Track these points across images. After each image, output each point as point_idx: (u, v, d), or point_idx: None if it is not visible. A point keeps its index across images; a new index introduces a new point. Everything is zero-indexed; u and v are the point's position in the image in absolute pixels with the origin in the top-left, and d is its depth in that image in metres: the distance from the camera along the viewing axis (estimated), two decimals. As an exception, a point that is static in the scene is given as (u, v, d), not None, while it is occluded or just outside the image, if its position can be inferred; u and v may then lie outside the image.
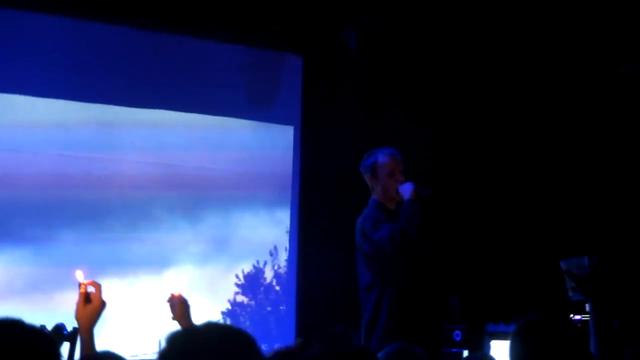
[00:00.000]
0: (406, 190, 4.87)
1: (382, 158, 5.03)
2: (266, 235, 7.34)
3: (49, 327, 3.25)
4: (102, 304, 3.19)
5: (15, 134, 6.37)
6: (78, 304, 3.16)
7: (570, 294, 3.89)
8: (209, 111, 7.13)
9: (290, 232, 7.40)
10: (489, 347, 5.62)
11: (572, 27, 6.92)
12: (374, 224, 4.81)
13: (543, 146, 7.57)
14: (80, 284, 3.16)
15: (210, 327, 2.00)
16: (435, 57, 7.50)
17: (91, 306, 3.16)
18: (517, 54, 7.44)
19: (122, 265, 6.61)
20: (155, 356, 4.71)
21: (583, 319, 5.88)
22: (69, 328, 3.26)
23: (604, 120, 7.36)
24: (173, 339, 1.98)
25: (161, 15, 6.61)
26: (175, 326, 3.53)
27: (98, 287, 3.19)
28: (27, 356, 2.07)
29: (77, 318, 3.16)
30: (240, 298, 7.27)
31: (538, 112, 7.58)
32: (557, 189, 7.47)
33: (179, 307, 3.54)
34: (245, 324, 7.20)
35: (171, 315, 3.57)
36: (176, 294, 3.56)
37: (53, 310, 5.51)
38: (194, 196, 7.03)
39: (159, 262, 6.84)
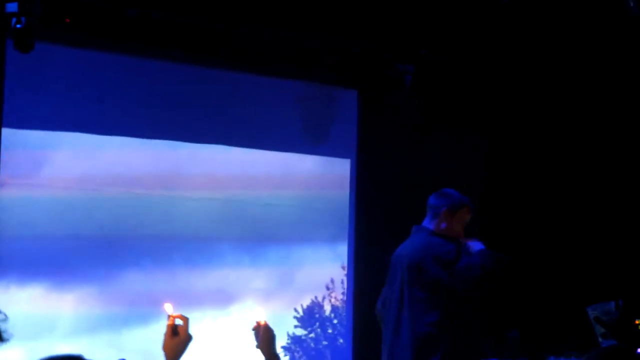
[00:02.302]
0: (477, 245, 4.93)
1: (469, 209, 5.10)
2: (326, 268, 7.41)
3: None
4: (189, 337, 3.23)
5: (77, 172, 6.54)
6: (165, 336, 3.22)
7: (600, 340, 3.86)
8: (268, 147, 7.24)
9: (348, 265, 7.45)
10: (550, 380, 5.59)
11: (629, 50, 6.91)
12: (453, 252, 4.85)
13: (602, 174, 7.52)
14: (168, 316, 3.22)
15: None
16: (490, 90, 7.53)
17: (178, 339, 3.21)
18: (574, 84, 7.43)
19: (187, 301, 6.71)
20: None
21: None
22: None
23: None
24: None
25: (219, 51, 6.74)
26: (259, 355, 3.52)
27: (185, 320, 3.24)
28: None
29: (164, 350, 3.21)
30: (300, 332, 7.33)
31: (597, 140, 7.54)
32: (621, 215, 7.40)
33: (264, 336, 3.50)
34: (302, 358, 7.26)
35: (255, 343, 3.51)
36: (262, 322, 3.51)
37: (121, 347, 5.65)
38: (254, 231, 7.12)
39: (224, 299, 6.94)
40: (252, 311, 3.59)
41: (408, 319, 4.91)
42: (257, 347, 3.50)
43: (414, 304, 4.90)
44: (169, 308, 3.23)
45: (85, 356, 2.28)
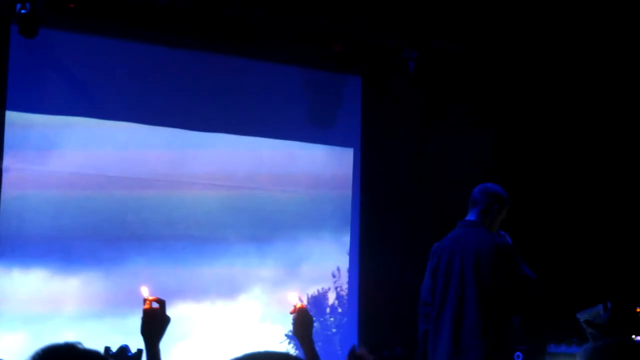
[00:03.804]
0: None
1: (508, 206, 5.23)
2: (330, 257, 7.41)
3: (114, 348, 3.33)
4: (167, 320, 3.15)
5: (84, 157, 6.54)
6: (143, 320, 3.15)
7: (591, 341, 3.90)
8: (272, 135, 7.23)
9: (351, 254, 7.45)
10: (550, 369, 5.60)
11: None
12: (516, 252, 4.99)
13: (606, 164, 7.49)
14: (144, 300, 3.16)
15: (267, 356, 2.02)
16: (494, 76, 7.50)
17: (156, 322, 3.14)
18: (579, 73, 7.39)
19: (195, 289, 6.73)
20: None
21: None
22: (134, 349, 3.31)
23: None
24: None
25: (224, 38, 6.74)
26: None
27: (163, 302, 3.16)
28: None
29: (143, 334, 3.15)
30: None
31: (602, 132, 7.51)
32: (628, 202, 7.38)
33: (299, 319, 3.34)
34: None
35: (292, 328, 3.38)
36: (298, 305, 3.36)
37: (127, 332, 5.64)
38: (260, 221, 7.12)
39: (232, 287, 6.95)
40: (288, 297, 3.45)
41: (476, 310, 4.94)
42: (294, 333, 3.37)
43: (481, 295, 4.95)
44: (144, 291, 3.18)
45: (91, 341, 2.26)
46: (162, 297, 3.20)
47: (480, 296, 4.90)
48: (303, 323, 3.34)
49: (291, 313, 3.36)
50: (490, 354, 4.86)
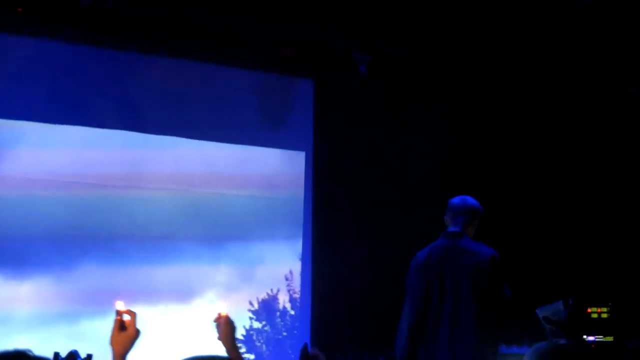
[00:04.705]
0: None
1: None
2: (283, 260, 7.44)
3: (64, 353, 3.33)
4: (137, 332, 3.25)
5: (36, 162, 6.50)
6: (113, 331, 3.22)
7: (550, 337, 3.97)
8: (223, 138, 7.24)
9: (303, 257, 7.48)
10: (501, 370, 5.66)
11: (583, 48, 7.00)
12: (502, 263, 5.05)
13: (563, 165, 7.61)
14: (116, 311, 3.24)
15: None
16: (449, 78, 7.57)
17: (126, 334, 3.22)
18: (536, 76, 7.48)
19: (148, 294, 6.70)
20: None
21: (597, 340, 5.94)
22: (83, 355, 3.32)
23: (617, 142, 7.41)
24: None
25: (175, 42, 6.74)
26: (219, 347, 3.57)
27: (133, 315, 3.25)
28: None
29: (112, 344, 3.21)
30: (257, 324, 7.36)
31: (554, 136, 7.63)
32: (585, 203, 7.49)
33: (224, 328, 3.57)
34: (262, 349, 7.29)
35: (217, 335, 3.59)
36: (223, 313, 3.58)
37: (79, 339, 5.60)
38: (213, 222, 7.12)
39: (185, 293, 6.95)
40: (214, 304, 3.60)
41: (471, 314, 4.99)
42: (218, 338, 3.57)
43: (476, 300, 5.01)
44: (119, 305, 3.26)
45: (42, 346, 2.26)
46: (115, 301, 3.27)
47: (476, 301, 4.96)
48: (226, 328, 3.54)
49: (215, 321, 3.58)
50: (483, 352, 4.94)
